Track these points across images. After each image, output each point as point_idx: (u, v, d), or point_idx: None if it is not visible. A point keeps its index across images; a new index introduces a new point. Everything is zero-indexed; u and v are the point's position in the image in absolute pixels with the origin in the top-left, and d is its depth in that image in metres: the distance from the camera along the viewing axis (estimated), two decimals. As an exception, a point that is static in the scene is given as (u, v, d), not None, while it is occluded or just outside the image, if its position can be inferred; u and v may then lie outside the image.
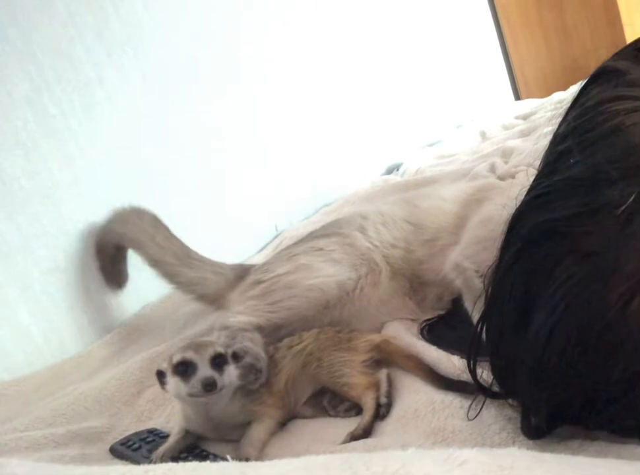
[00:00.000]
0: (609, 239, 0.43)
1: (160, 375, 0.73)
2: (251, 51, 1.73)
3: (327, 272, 0.94)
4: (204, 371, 0.69)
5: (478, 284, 0.81)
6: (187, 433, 0.75)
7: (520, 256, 0.50)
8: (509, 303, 0.51)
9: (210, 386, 0.68)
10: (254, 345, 0.80)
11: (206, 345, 0.72)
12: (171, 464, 0.42)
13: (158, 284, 1.20)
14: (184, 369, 0.69)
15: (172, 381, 0.71)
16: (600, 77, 0.55)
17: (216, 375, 0.69)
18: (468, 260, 0.89)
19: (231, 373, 0.72)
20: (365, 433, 0.68)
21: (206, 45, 1.61)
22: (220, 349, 0.72)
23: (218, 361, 0.71)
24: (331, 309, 0.92)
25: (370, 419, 0.70)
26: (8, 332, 1.10)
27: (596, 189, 0.46)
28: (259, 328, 0.87)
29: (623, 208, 0.43)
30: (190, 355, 0.70)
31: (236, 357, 0.75)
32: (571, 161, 0.49)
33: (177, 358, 0.70)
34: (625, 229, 0.43)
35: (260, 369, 0.76)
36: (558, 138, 0.55)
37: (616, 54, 0.57)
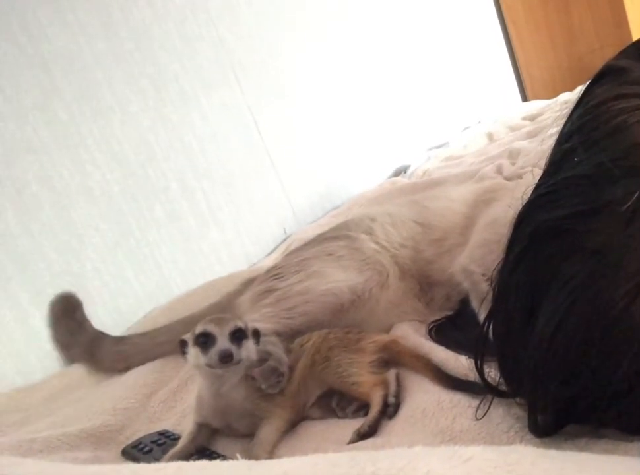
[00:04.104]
0: (614, 237, 0.44)
1: (182, 344, 0.76)
2: (252, 58, 1.75)
3: (339, 277, 0.94)
4: (223, 343, 0.71)
5: (485, 287, 0.81)
6: (197, 433, 0.76)
7: (526, 254, 0.50)
8: (515, 302, 0.51)
9: (226, 358, 0.70)
10: (276, 348, 0.80)
11: (228, 319, 0.74)
12: (181, 463, 0.43)
13: (167, 286, 1.21)
14: (204, 340, 0.72)
15: (192, 351, 0.74)
16: (604, 76, 0.55)
17: (233, 348, 0.71)
18: (475, 263, 0.89)
19: (250, 347, 0.74)
20: (371, 429, 0.68)
21: (212, 51, 1.63)
22: (240, 324, 0.74)
23: (238, 336, 0.73)
24: (345, 313, 0.93)
25: (376, 415, 0.70)
26: (20, 335, 1.11)
27: (599, 187, 0.46)
28: (277, 335, 0.87)
29: (626, 206, 0.43)
30: (211, 327, 0.72)
31: (257, 335, 0.77)
32: (576, 160, 0.49)
33: (198, 330, 0.73)
34: (629, 227, 0.43)
35: (282, 372, 0.76)
36: (563, 138, 0.55)
37: (620, 53, 0.58)
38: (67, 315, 1.06)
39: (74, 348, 1.07)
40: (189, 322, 1.02)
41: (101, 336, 1.07)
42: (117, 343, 1.08)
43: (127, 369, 1.04)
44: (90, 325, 1.08)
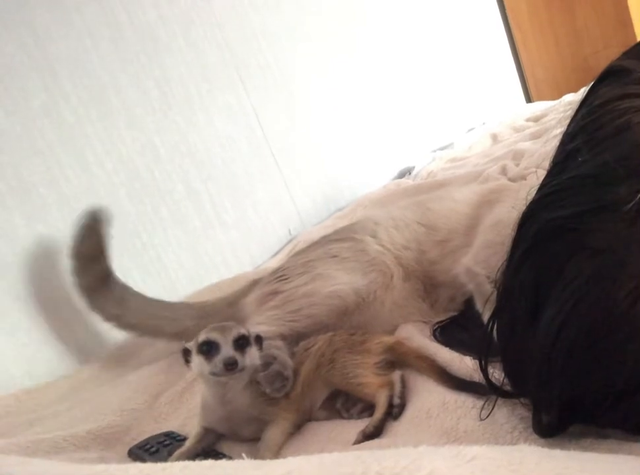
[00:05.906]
0: (617, 236, 0.44)
1: (185, 353, 0.75)
2: (257, 60, 1.75)
3: (343, 280, 0.94)
4: (227, 351, 0.71)
5: (490, 289, 0.81)
6: (204, 435, 0.76)
7: (530, 254, 0.50)
8: (519, 301, 0.51)
9: (231, 365, 0.70)
10: (281, 352, 0.80)
11: (230, 327, 0.74)
12: (187, 462, 0.43)
13: (173, 288, 1.21)
14: (208, 348, 0.72)
15: (196, 360, 0.73)
16: (608, 76, 0.55)
17: (237, 355, 0.71)
18: (479, 265, 0.89)
19: (253, 354, 0.74)
20: (377, 430, 0.68)
21: (217, 54, 1.63)
22: (243, 331, 0.74)
23: (241, 343, 0.73)
24: (350, 315, 0.93)
25: (381, 416, 0.70)
26: (31, 338, 1.12)
27: (603, 187, 0.46)
28: (282, 338, 0.87)
29: (630, 205, 0.43)
30: (214, 335, 0.72)
31: (259, 341, 0.77)
32: (580, 159, 0.50)
33: (202, 338, 0.73)
34: (633, 227, 0.43)
35: (287, 376, 0.76)
36: (567, 138, 0.55)
37: (624, 53, 0.58)
38: (92, 230, 1.09)
39: (86, 277, 1.09)
40: (194, 310, 1.05)
41: (112, 273, 1.10)
42: (122, 292, 1.10)
43: (117, 319, 1.07)
44: (107, 255, 1.10)
